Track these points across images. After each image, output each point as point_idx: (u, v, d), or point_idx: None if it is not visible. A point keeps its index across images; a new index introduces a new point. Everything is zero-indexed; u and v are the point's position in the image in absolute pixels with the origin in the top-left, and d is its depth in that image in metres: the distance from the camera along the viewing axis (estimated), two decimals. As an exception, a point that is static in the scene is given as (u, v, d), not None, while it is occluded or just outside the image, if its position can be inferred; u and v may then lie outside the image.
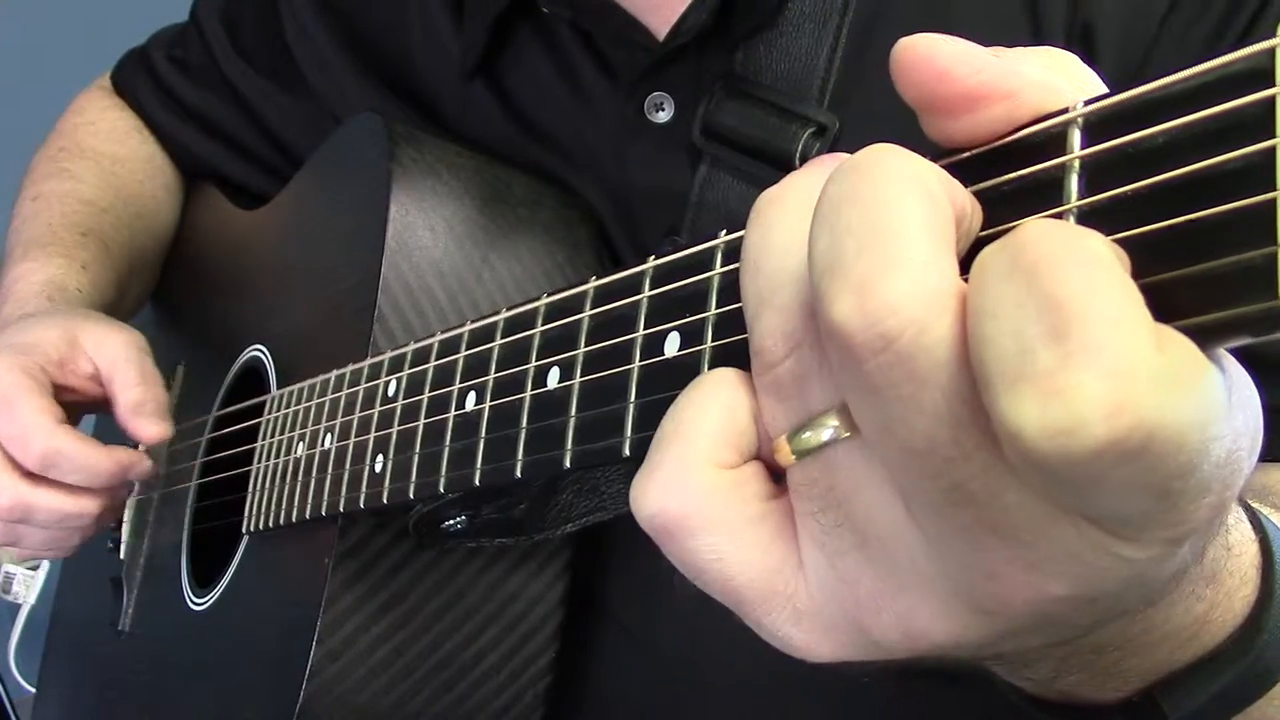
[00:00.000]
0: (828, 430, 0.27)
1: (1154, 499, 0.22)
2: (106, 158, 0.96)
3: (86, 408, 0.77)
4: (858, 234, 0.24)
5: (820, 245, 0.25)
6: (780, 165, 0.59)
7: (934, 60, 0.26)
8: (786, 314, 0.27)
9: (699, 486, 0.29)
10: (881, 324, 0.23)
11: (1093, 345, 0.21)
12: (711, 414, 0.29)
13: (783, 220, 0.28)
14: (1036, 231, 0.22)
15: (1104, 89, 0.27)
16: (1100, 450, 0.21)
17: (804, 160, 0.58)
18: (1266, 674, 0.36)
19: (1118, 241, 0.23)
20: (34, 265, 0.85)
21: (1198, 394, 0.21)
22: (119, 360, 0.75)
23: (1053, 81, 0.26)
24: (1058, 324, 0.21)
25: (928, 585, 0.26)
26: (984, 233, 0.26)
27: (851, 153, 0.26)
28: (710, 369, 0.33)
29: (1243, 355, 0.24)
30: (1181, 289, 0.22)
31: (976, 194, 0.26)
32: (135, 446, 0.78)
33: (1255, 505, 0.39)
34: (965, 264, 0.24)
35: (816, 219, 0.25)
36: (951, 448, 0.24)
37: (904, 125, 0.28)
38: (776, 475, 0.30)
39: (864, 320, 0.23)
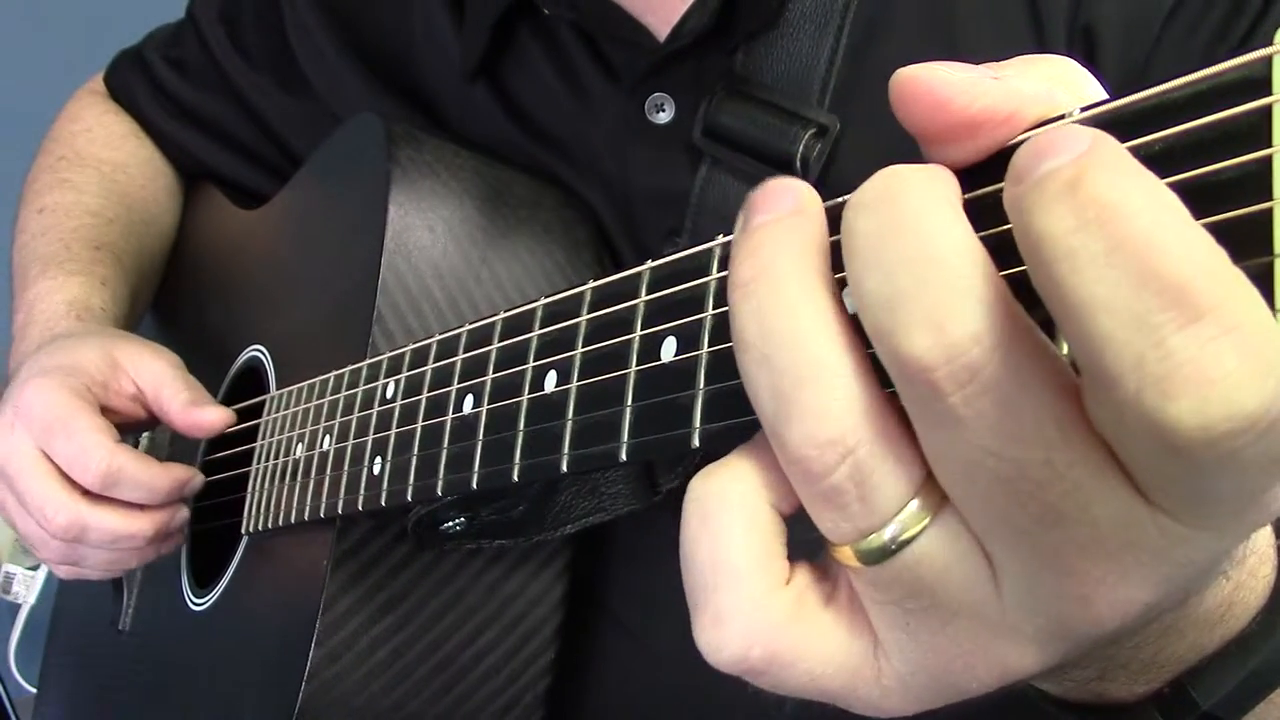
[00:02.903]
0: (912, 528, 0.26)
1: (1268, 475, 0.22)
2: (107, 164, 0.96)
3: (127, 429, 0.77)
4: (912, 267, 0.23)
5: (870, 285, 0.24)
6: (781, 166, 0.59)
7: (931, 92, 0.25)
8: (826, 415, 0.25)
9: (774, 624, 0.28)
10: (966, 355, 0.22)
11: (1229, 325, 0.20)
12: (742, 535, 0.28)
13: (778, 299, 0.26)
14: (1115, 198, 0.21)
15: (1102, 92, 0.27)
16: (1255, 426, 0.20)
17: (804, 161, 0.58)
18: None
19: None
20: (54, 284, 0.85)
21: None
22: (163, 377, 0.75)
23: (1052, 95, 0.26)
24: (1189, 310, 0.20)
25: (1019, 632, 0.26)
26: (990, 232, 0.26)
27: (852, 154, 0.26)
28: (706, 374, 0.33)
29: None
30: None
31: (975, 201, 0.26)
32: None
33: None
34: None
35: (856, 259, 0.24)
36: (1042, 469, 0.23)
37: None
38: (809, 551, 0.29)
39: (946, 354, 0.22)
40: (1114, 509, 0.23)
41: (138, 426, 0.77)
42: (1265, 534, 0.36)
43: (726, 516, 0.28)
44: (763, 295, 0.26)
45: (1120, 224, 0.20)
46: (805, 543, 0.29)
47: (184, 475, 0.73)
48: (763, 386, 0.26)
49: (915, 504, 0.25)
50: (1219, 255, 0.20)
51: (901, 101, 0.26)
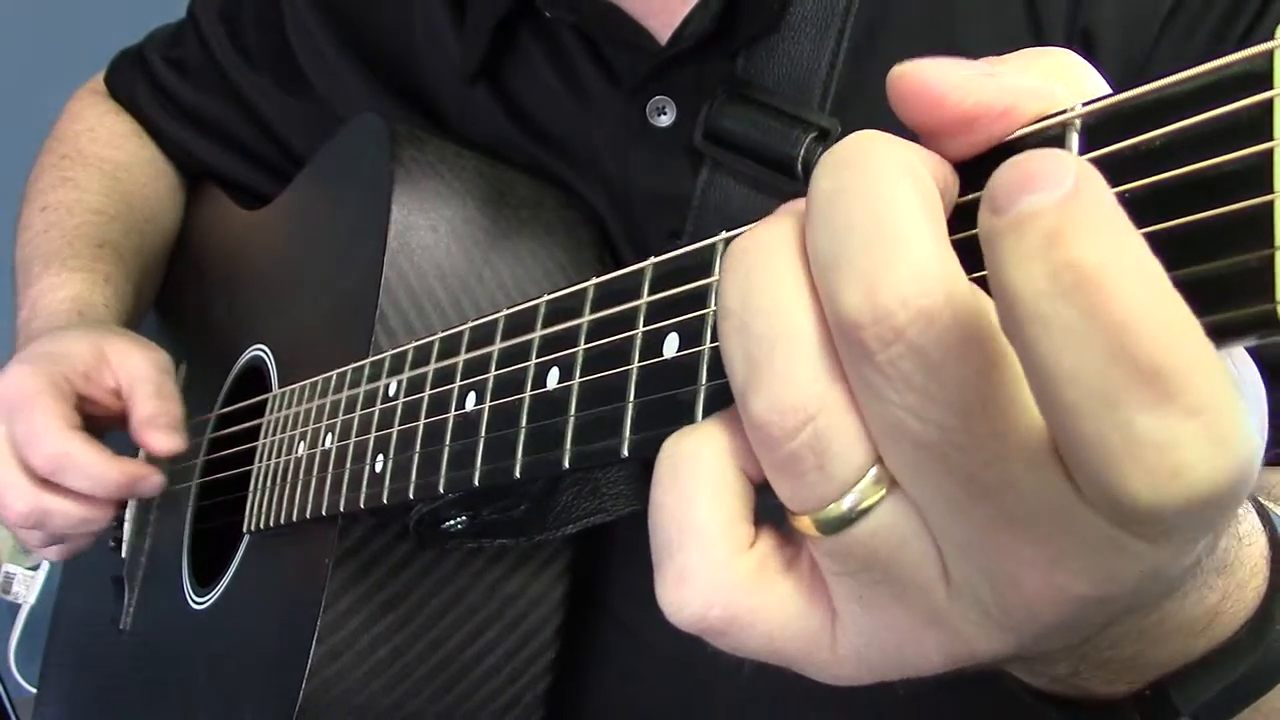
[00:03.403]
0: (871, 497, 0.26)
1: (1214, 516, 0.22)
2: (109, 164, 0.97)
3: (107, 423, 0.77)
4: (859, 227, 0.24)
5: (821, 243, 0.25)
6: (782, 169, 0.59)
7: (928, 88, 0.26)
8: (791, 383, 0.26)
9: (735, 585, 0.28)
10: (893, 316, 0.23)
11: (1196, 407, 0.20)
12: (710, 499, 0.29)
13: (765, 275, 0.27)
14: (1089, 253, 0.20)
15: (1104, 85, 0.27)
16: (1206, 500, 0.21)
17: (806, 164, 0.59)
18: (1278, 665, 0.36)
19: None
20: (57, 280, 0.86)
21: (1247, 419, 0.21)
22: (140, 376, 0.76)
23: (1049, 89, 0.26)
24: (1156, 389, 0.20)
25: (965, 617, 0.26)
26: (967, 197, 0.26)
27: None
28: (708, 370, 0.33)
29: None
30: (1179, 292, 0.22)
31: (975, 199, 0.26)
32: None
33: (1260, 499, 0.39)
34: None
35: (813, 216, 0.25)
36: (963, 436, 0.24)
37: (905, 129, 0.28)
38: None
39: (874, 313, 0.23)
40: (1042, 490, 0.24)
41: (116, 422, 0.78)
42: (1259, 547, 0.36)
43: (696, 478, 0.29)
44: (750, 264, 0.27)
45: (1097, 296, 0.20)
46: (772, 508, 0.29)
47: (135, 471, 0.73)
48: (737, 352, 0.27)
49: (872, 474, 0.26)
50: (1192, 329, 0.20)
51: (899, 96, 0.26)
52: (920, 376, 0.23)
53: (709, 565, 0.28)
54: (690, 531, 0.29)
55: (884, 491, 0.26)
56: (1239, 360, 0.27)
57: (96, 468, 0.71)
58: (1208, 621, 0.34)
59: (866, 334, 0.23)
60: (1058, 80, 0.27)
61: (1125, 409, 0.20)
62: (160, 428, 0.75)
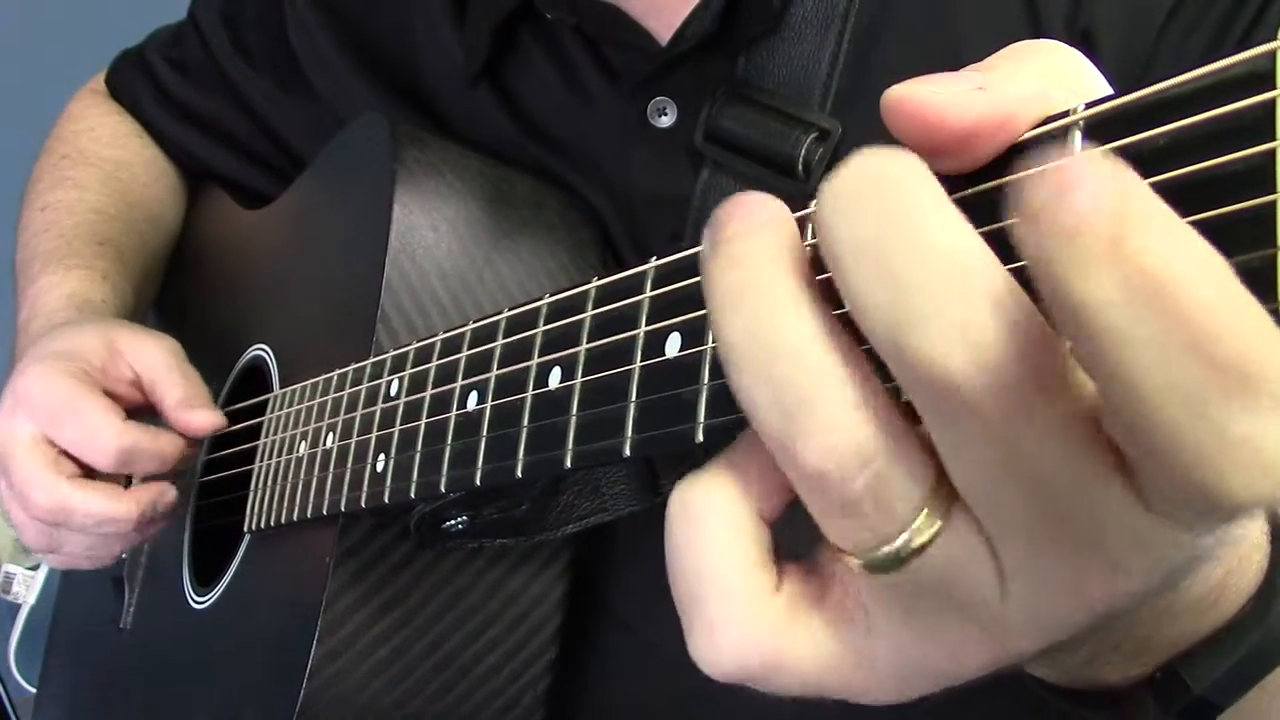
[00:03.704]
0: (925, 534, 0.25)
1: None
2: (110, 163, 0.96)
3: (131, 416, 0.77)
4: (922, 281, 0.22)
5: (879, 299, 0.22)
6: (783, 170, 0.59)
7: (923, 110, 0.25)
8: (843, 428, 0.24)
9: (767, 631, 0.28)
10: (995, 366, 0.22)
11: (1277, 398, 0.20)
12: (728, 549, 0.28)
13: (769, 305, 0.25)
14: (1157, 257, 0.19)
15: (1103, 82, 0.27)
16: None
17: (806, 165, 0.59)
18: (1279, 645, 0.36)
19: None
20: (55, 278, 0.86)
21: None
22: (159, 364, 0.76)
23: (1044, 91, 0.26)
24: (1244, 384, 0.19)
25: (1013, 625, 0.26)
26: (984, 230, 0.26)
27: None
28: (710, 370, 0.33)
29: None
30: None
31: (979, 196, 0.26)
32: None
33: None
34: None
35: (853, 271, 0.23)
36: (1041, 462, 0.23)
37: None
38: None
39: (977, 367, 0.22)
40: (1115, 511, 0.23)
41: (137, 414, 0.78)
42: (1257, 520, 0.36)
43: (710, 526, 0.28)
44: (752, 305, 0.25)
45: (1174, 300, 0.19)
46: (787, 538, 0.29)
47: (184, 440, 0.74)
48: (765, 403, 0.25)
49: (929, 504, 0.25)
50: (1263, 318, 0.20)
51: (896, 121, 0.26)
52: (1023, 420, 0.22)
53: (739, 615, 0.28)
54: (713, 582, 0.28)
55: (938, 525, 0.25)
56: None
57: (163, 445, 0.72)
58: (1215, 598, 0.34)
59: (970, 389, 0.22)
60: (1051, 79, 0.26)
61: (1217, 409, 0.19)
62: (197, 407, 0.75)
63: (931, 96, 0.25)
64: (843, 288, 0.23)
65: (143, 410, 0.77)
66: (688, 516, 0.29)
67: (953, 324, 0.22)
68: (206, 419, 0.75)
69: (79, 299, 0.84)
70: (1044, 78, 0.26)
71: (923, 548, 0.25)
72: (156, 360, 0.76)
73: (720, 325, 0.25)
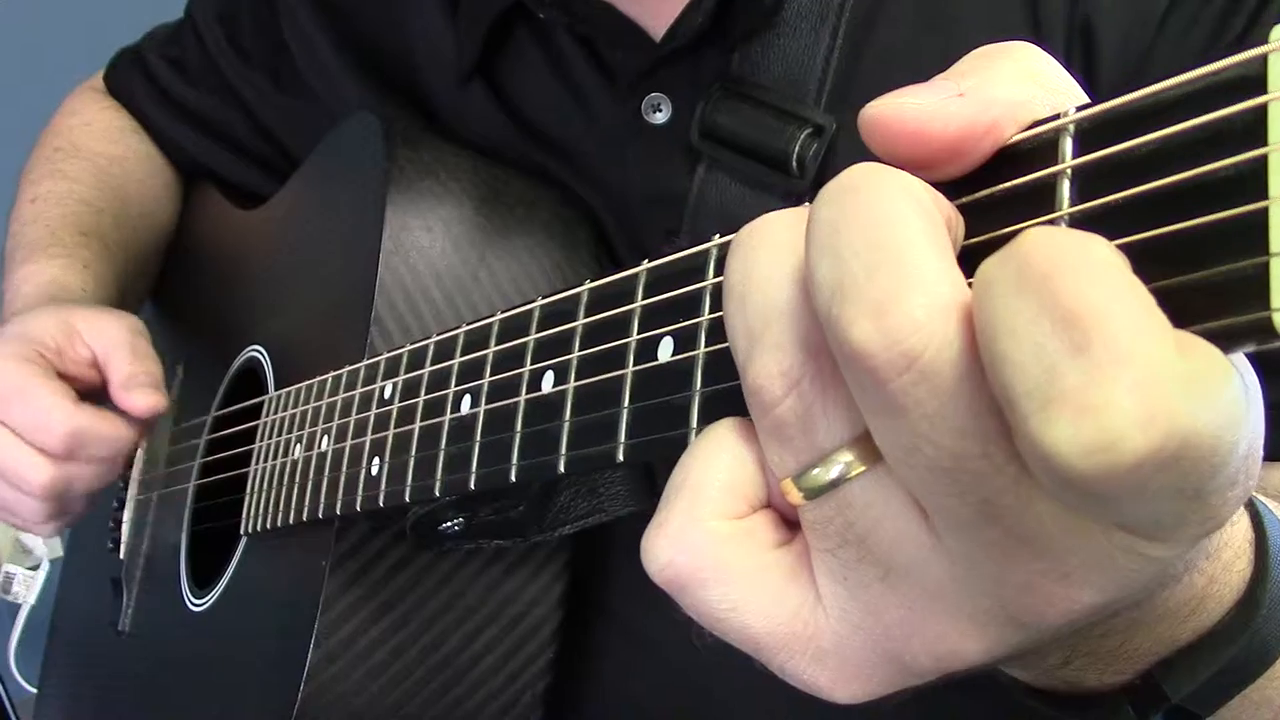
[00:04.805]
0: (838, 466, 0.26)
1: (1187, 500, 0.22)
2: (103, 157, 0.96)
3: (88, 397, 0.77)
4: (863, 255, 0.23)
5: (823, 270, 0.24)
6: (778, 167, 0.59)
7: (904, 124, 0.26)
8: (781, 351, 0.26)
9: (708, 538, 0.28)
10: (904, 343, 0.23)
11: (1118, 357, 0.20)
12: (718, 466, 0.29)
13: (767, 253, 0.27)
14: (1040, 239, 0.22)
15: (1071, 82, 0.27)
16: (1138, 462, 0.20)
17: (800, 161, 0.58)
18: (1265, 651, 0.36)
19: None
20: (37, 267, 0.85)
21: (1225, 395, 0.21)
22: (113, 341, 0.75)
23: (1027, 95, 0.26)
24: (1078, 337, 0.20)
25: (957, 607, 0.26)
26: (976, 240, 0.26)
27: (849, 154, 0.26)
28: (703, 375, 0.33)
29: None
30: (1174, 298, 0.22)
31: (969, 204, 0.26)
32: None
33: None
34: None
35: (813, 245, 0.25)
36: (980, 461, 0.23)
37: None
38: (791, 519, 0.30)
39: (885, 340, 0.23)
40: (1055, 508, 0.24)
41: (98, 394, 0.77)
42: (1242, 529, 0.36)
43: (716, 446, 0.30)
44: (753, 246, 0.28)
45: (1035, 260, 0.21)
46: None
47: (149, 417, 0.74)
48: (738, 327, 0.28)
49: (855, 448, 0.26)
50: (1133, 295, 0.21)
51: (876, 137, 0.26)
52: (935, 403, 0.23)
53: (689, 518, 0.29)
54: (688, 487, 0.29)
55: (863, 469, 0.26)
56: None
57: (114, 431, 0.72)
58: (1194, 607, 0.34)
59: (878, 361, 0.23)
60: (1029, 81, 0.26)
61: (1051, 355, 0.21)
62: (140, 386, 0.74)
63: (911, 110, 0.26)
64: (806, 264, 0.25)
65: (103, 391, 0.77)
66: (707, 434, 0.30)
67: (872, 296, 0.23)
68: (144, 400, 0.74)
69: (56, 286, 0.84)
70: (1021, 79, 0.26)
71: (845, 481, 0.26)
72: (110, 338, 0.75)
73: (729, 256, 0.28)
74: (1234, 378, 0.21)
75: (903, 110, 0.26)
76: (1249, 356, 0.24)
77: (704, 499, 0.29)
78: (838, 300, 0.24)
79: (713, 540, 0.28)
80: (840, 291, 0.24)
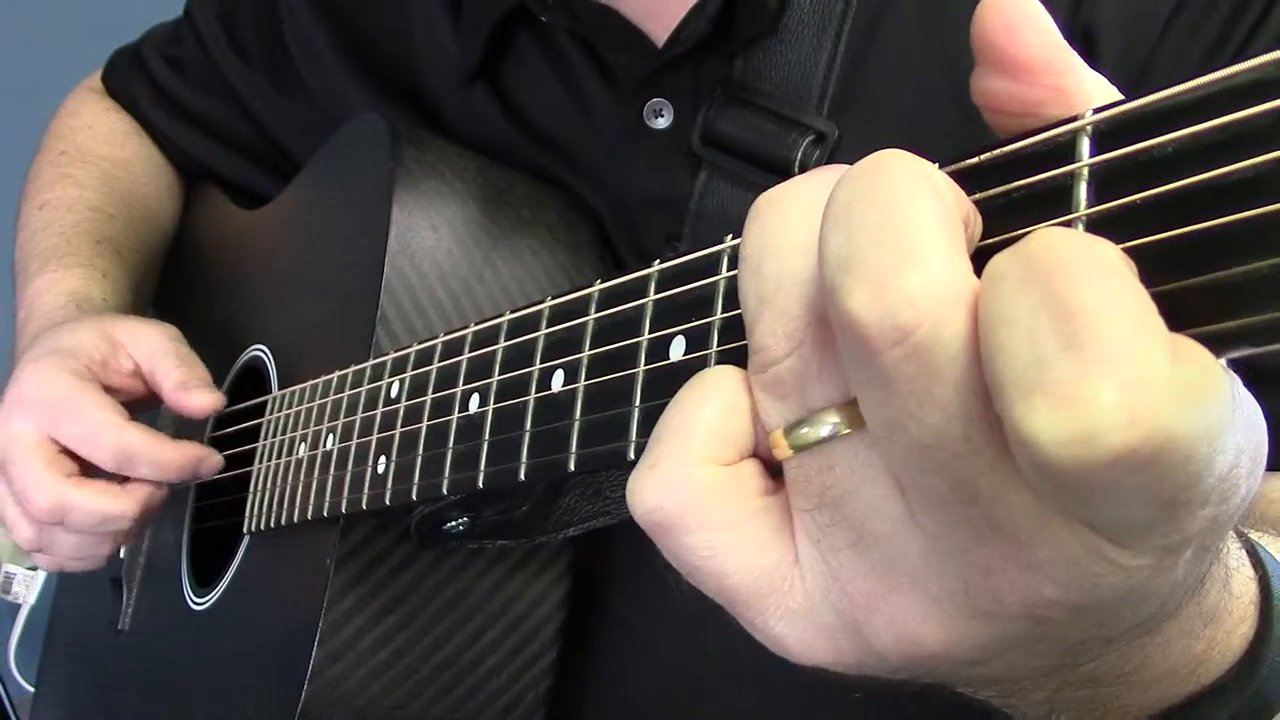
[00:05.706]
0: (827, 426, 0.27)
1: (1157, 508, 0.22)
2: (108, 161, 0.96)
3: (133, 407, 0.77)
4: (872, 231, 0.24)
5: (833, 243, 0.25)
6: (779, 172, 0.59)
7: (1010, 12, 0.27)
8: (788, 315, 0.27)
9: (695, 482, 0.29)
10: (899, 316, 0.23)
11: (1108, 355, 0.21)
12: (710, 410, 0.30)
13: (784, 222, 0.28)
14: (1049, 239, 0.22)
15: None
16: (1114, 460, 0.21)
17: (803, 168, 0.58)
18: (1265, 709, 0.36)
19: (1126, 250, 0.23)
20: (55, 277, 0.85)
21: (1210, 405, 0.21)
22: (157, 351, 0.75)
23: (1091, 97, 0.27)
24: (1072, 333, 0.21)
25: (922, 585, 0.27)
26: (991, 240, 0.26)
27: (851, 160, 0.26)
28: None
29: (1240, 365, 0.24)
30: (1189, 298, 0.22)
31: (984, 201, 0.26)
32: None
33: (1255, 535, 0.38)
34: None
35: (828, 220, 0.25)
36: (961, 443, 0.24)
37: (903, 133, 0.28)
38: (776, 472, 0.30)
39: (880, 312, 0.23)
40: (1028, 498, 0.24)
41: (143, 403, 0.77)
42: (1249, 595, 0.35)
43: (709, 392, 0.30)
44: (770, 214, 0.28)
45: (1041, 257, 0.22)
46: None
47: (195, 452, 0.73)
48: (750, 289, 0.28)
49: (845, 412, 0.27)
50: (1132, 298, 0.21)
51: (984, 11, 0.27)
52: (923, 380, 0.24)
53: (679, 461, 0.29)
54: (679, 429, 0.30)
55: (848, 432, 0.27)
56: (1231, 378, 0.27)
57: (162, 453, 0.71)
58: (1193, 669, 0.34)
59: (871, 332, 0.24)
60: (1098, 96, 0.27)
61: (1043, 346, 0.21)
62: (196, 389, 0.75)
63: (1029, 7, 0.27)
64: (819, 239, 0.26)
65: (146, 400, 0.77)
66: (703, 375, 0.31)
67: (874, 270, 0.24)
68: (205, 399, 0.74)
69: (79, 297, 0.84)
70: (1096, 90, 0.27)
71: (831, 440, 0.27)
72: (154, 346, 0.75)
73: (747, 226, 0.29)
74: (1222, 391, 0.21)
75: (1024, 5, 0.27)
76: (1255, 395, 0.24)
77: (694, 442, 0.29)
78: (841, 270, 0.24)
79: (700, 485, 0.29)
80: (845, 262, 0.24)
